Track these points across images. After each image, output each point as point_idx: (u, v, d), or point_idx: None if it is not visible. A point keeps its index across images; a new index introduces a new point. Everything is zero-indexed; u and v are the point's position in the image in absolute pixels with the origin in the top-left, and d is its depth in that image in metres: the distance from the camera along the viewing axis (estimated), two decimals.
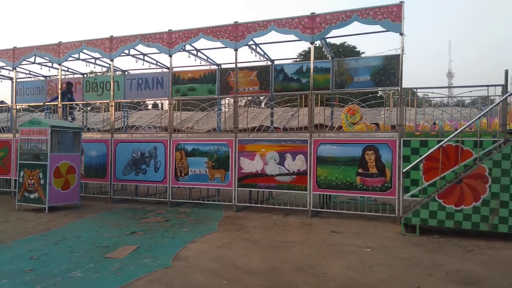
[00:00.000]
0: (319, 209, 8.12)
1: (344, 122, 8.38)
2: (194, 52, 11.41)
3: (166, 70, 12.63)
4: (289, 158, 8.04)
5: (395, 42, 11.22)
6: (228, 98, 11.44)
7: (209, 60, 12.01)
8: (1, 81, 14.63)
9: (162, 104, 12.95)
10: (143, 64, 12.49)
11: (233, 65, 9.28)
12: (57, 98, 11.13)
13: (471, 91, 7.24)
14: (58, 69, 11.03)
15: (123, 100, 12.00)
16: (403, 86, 7.37)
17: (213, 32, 8.74)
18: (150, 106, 22.33)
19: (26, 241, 5.82)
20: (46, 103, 12.31)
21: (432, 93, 7.89)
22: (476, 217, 6.01)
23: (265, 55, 11.22)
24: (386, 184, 7.31)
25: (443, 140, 6.53)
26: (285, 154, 8.07)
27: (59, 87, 10.80)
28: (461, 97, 7.57)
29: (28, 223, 7.18)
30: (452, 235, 6.19)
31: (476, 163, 6.20)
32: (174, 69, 12.16)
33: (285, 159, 8.07)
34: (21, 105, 12.25)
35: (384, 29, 7.77)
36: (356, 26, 7.71)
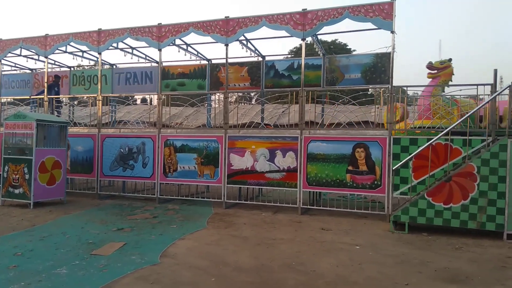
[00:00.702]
0: (309, 207, 8.11)
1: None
2: (184, 46, 11.27)
3: (155, 64, 12.47)
4: (280, 155, 8.00)
5: (386, 40, 11.25)
6: (218, 94, 11.36)
7: (199, 55, 11.88)
8: None
9: (151, 99, 12.77)
10: (131, 58, 12.29)
11: (224, 61, 9.20)
12: (43, 91, 10.91)
13: (461, 90, 7.29)
14: (44, 62, 10.79)
15: (111, 95, 11.81)
16: (394, 84, 7.39)
17: (203, 27, 8.63)
18: (138, 101, 22.08)
19: (11, 237, 5.68)
20: (32, 97, 12.06)
21: (423, 91, 7.91)
22: (464, 215, 6.05)
23: (256, 51, 11.14)
24: (376, 182, 7.32)
25: (432, 138, 6.55)
26: (275, 151, 8.03)
27: (45, 80, 10.58)
28: (451, 95, 7.61)
29: (12, 218, 7.02)
30: (441, 233, 6.23)
31: (465, 162, 6.24)
32: (164, 64, 12.02)
33: (275, 156, 8.03)
34: (6, 99, 11.98)
35: (376, 27, 7.75)
36: (347, 24, 7.71)
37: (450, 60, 8.14)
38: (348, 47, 27.36)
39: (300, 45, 8.52)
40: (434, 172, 6.70)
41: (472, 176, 6.04)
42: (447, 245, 5.63)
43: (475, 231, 6.15)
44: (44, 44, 10.18)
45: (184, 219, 7.19)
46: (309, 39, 9.16)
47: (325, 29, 7.99)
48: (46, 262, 4.53)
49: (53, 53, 10.50)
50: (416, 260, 4.85)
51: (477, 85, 7.00)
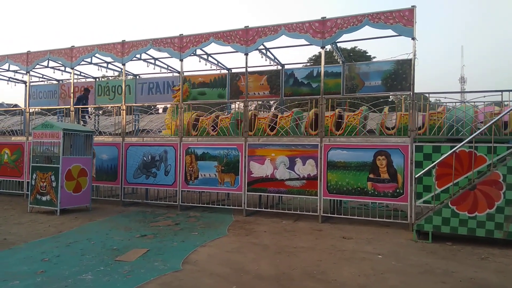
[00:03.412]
0: (329, 215, 8.06)
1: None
2: (205, 56, 11.48)
3: (177, 74, 12.72)
4: (299, 162, 8.00)
5: (407, 47, 11.15)
6: (238, 102, 11.47)
7: (219, 64, 12.07)
8: (15, 85, 14.89)
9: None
10: (154, 68, 12.60)
11: (243, 70, 9.30)
12: (77, 102, 11.33)
13: (484, 96, 7.14)
14: (70, 73, 11.16)
15: (134, 104, 12.10)
16: (415, 91, 7.31)
17: (223, 37, 8.77)
18: (160, 110, 22.45)
19: (38, 243, 5.87)
20: (59, 107, 12.49)
21: (445, 98, 7.81)
22: (490, 224, 5.89)
23: (275, 60, 11.23)
24: (398, 190, 7.22)
25: (456, 146, 6.43)
26: (295, 159, 8.04)
27: (71, 91, 10.93)
28: (474, 102, 7.47)
29: (40, 225, 7.25)
30: (466, 243, 6.09)
31: (490, 169, 6.10)
32: (185, 73, 12.24)
33: (295, 164, 8.03)
34: (34, 109, 12.43)
35: (396, 34, 7.71)
36: (367, 30, 7.69)
37: None
38: (368, 54, 27.16)
39: (319, 52, 8.55)
40: (458, 180, 6.56)
41: (498, 184, 5.89)
42: (472, 255, 5.49)
43: (502, 241, 5.97)
44: (70, 56, 10.54)
45: (205, 226, 7.27)
46: (328, 47, 9.17)
47: (345, 36, 7.99)
48: (72, 268, 4.66)
49: (78, 64, 10.85)
50: (440, 270, 4.76)
51: (501, 91, 6.86)
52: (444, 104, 8.09)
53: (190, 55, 9.53)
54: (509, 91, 6.84)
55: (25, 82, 14.24)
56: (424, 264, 5.00)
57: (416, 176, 6.71)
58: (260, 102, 13.83)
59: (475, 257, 5.38)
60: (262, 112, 10.16)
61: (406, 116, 7.65)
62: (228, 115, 9.76)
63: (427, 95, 7.85)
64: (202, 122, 9.43)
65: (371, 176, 7.41)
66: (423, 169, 6.65)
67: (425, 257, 5.34)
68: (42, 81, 15.05)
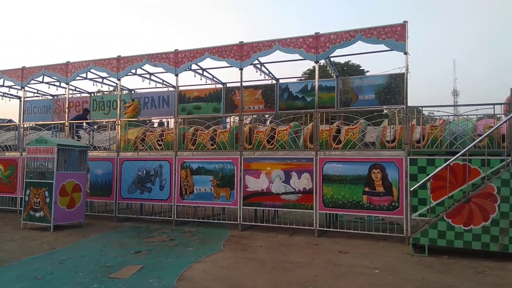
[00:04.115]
0: (325, 229, 8.03)
1: None
2: (200, 71, 11.54)
3: (172, 89, 12.77)
4: (295, 176, 8.00)
5: (400, 61, 11.29)
6: (233, 117, 11.51)
7: (214, 79, 12.13)
8: (10, 100, 14.83)
9: (168, 123, 13.05)
10: (149, 83, 12.64)
11: (238, 84, 9.36)
12: (76, 117, 11.37)
13: (477, 109, 7.23)
14: (65, 88, 11.16)
15: (129, 119, 12.08)
16: (409, 105, 7.38)
17: (218, 52, 8.85)
18: (156, 125, 22.45)
19: (31, 261, 5.79)
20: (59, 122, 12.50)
21: (438, 111, 7.89)
22: (485, 237, 5.90)
23: (270, 74, 11.32)
24: (393, 203, 7.23)
25: (450, 159, 6.48)
26: (290, 173, 8.04)
27: (67, 106, 10.93)
28: (467, 115, 7.55)
29: (33, 242, 7.16)
30: (462, 256, 6.08)
31: (484, 182, 6.14)
32: (180, 88, 12.27)
33: (290, 178, 8.03)
34: (29, 124, 12.38)
35: (389, 48, 7.82)
36: (360, 45, 7.79)
37: None
38: (361, 68, 27.47)
39: (313, 67, 8.63)
40: (453, 193, 6.59)
41: (492, 197, 5.93)
42: (468, 268, 5.48)
43: (498, 254, 5.97)
44: (66, 71, 10.56)
45: (200, 242, 7.21)
46: (322, 61, 9.26)
47: (338, 51, 8.09)
48: (65, 286, 4.59)
49: (74, 80, 10.86)
50: (437, 284, 4.74)
51: (493, 104, 6.95)
52: (439, 117, 8.18)
53: (185, 70, 9.58)
54: (500, 104, 6.93)
55: (19, 98, 14.19)
56: (421, 278, 4.98)
57: (411, 189, 6.73)
58: (255, 116, 13.86)
59: (471, 270, 5.37)
60: (259, 125, 10.19)
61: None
62: (226, 129, 9.80)
63: (420, 108, 7.93)
64: (200, 137, 9.46)
65: (367, 189, 7.42)
66: (418, 182, 6.68)
67: (422, 271, 5.32)
68: (37, 96, 15.02)
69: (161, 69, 10.18)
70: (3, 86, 13.11)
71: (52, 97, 14.81)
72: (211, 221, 9.16)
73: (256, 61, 9.94)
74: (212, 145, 9.33)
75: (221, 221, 9.00)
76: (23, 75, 11.13)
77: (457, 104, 9.95)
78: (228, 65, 9.19)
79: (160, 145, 9.82)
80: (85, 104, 13.86)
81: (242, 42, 8.67)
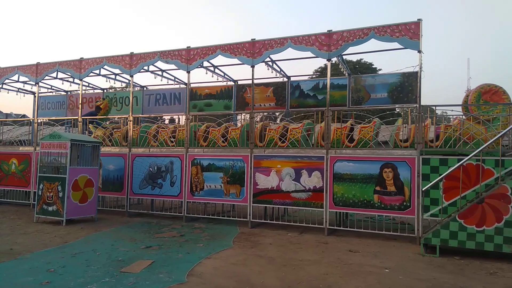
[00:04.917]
0: (335, 227, 8.00)
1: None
2: (212, 68, 11.57)
3: (184, 86, 12.83)
4: (305, 174, 7.98)
5: (413, 59, 11.16)
6: (244, 114, 11.52)
7: (225, 76, 12.16)
8: (24, 96, 15.06)
9: (179, 119, 13.15)
10: (161, 80, 12.73)
11: (250, 81, 9.36)
12: (89, 113, 11.53)
13: (491, 109, 7.11)
14: (79, 84, 11.30)
15: (141, 115, 12.19)
16: (422, 103, 7.30)
17: (230, 49, 8.86)
18: (167, 121, 22.62)
19: (44, 254, 5.88)
20: (68, 118, 12.64)
21: (452, 110, 7.79)
22: (498, 238, 5.82)
23: (281, 72, 11.30)
24: (404, 203, 7.17)
25: (463, 159, 6.39)
26: (301, 171, 8.03)
27: (80, 102, 11.06)
28: (481, 115, 7.44)
29: (45, 235, 7.27)
30: (474, 257, 6.00)
31: (498, 183, 6.04)
32: (192, 85, 12.34)
33: (301, 176, 8.02)
34: (42, 119, 12.56)
35: (402, 47, 7.74)
36: (373, 43, 7.73)
37: None
38: (373, 66, 27.23)
39: (325, 65, 8.59)
40: (466, 193, 6.51)
41: (506, 197, 5.83)
42: (480, 269, 5.41)
43: (511, 256, 5.88)
44: (79, 68, 10.68)
45: (210, 238, 7.24)
46: (334, 59, 9.22)
47: (350, 49, 8.04)
48: (77, 279, 4.65)
49: (87, 76, 10.99)
50: (447, 284, 4.69)
51: (509, 104, 6.84)
52: (452, 116, 8.07)
53: (197, 67, 9.62)
54: None
55: (34, 93, 14.41)
56: (432, 278, 4.93)
57: (423, 189, 6.66)
58: (266, 114, 13.87)
59: (483, 272, 5.30)
60: (271, 123, 10.20)
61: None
62: (238, 126, 9.84)
63: (433, 107, 7.83)
64: (211, 133, 9.53)
65: (378, 188, 7.37)
66: (430, 182, 6.61)
67: (433, 271, 5.28)
68: (50, 92, 15.23)
69: (173, 66, 10.24)
70: (18, 81, 13.36)
71: (65, 93, 15.00)
72: (221, 217, 9.19)
73: (268, 59, 9.93)
74: (223, 142, 9.38)
75: (231, 218, 9.03)
76: (38, 71, 11.29)
77: (472, 103, 9.72)
78: (240, 62, 9.19)
79: (172, 142, 9.93)
80: (97, 100, 14.00)
81: (254, 39, 8.66)
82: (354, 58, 25.65)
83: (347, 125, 8.35)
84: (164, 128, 10.35)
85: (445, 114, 9.70)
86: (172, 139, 10.00)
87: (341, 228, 7.99)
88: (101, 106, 11.74)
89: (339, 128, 8.16)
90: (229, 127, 9.63)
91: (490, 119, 7.44)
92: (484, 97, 7.71)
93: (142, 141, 10.14)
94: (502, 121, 7.34)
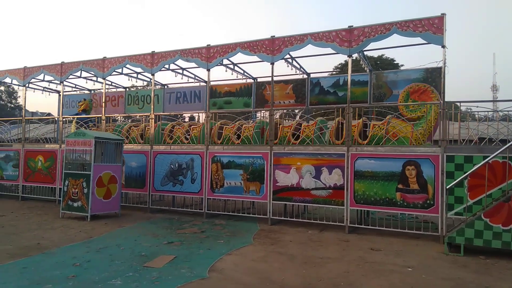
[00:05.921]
0: (356, 225, 7.92)
1: None
2: (231, 66, 11.60)
3: (204, 83, 12.91)
4: (326, 172, 7.93)
5: (437, 54, 10.93)
6: (263, 111, 11.51)
7: (245, 73, 12.17)
8: (49, 94, 15.46)
9: (199, 117, 13.27)
10: (182, 78, 12.85)
11: (269, 79, 9.35)
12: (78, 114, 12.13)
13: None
14: (102, 83, 11.53)
15: (162, 113, 12.35)
16: (446, 100, 7.14)
17: (250, 47, 8.86)
18: (187, 119, 22.86)
19: (70, 248, 6.05)
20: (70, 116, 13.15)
21: (477, 107, 7.59)
22: None
23: (301, 69, 11.23)
24: (428, 201, 7.04)
25: (489, 156, 6.22)
26: (321, 168, 7.98)
27: (103, 100, 11.28)
28: (508, 111, 7.22)
29: (71, 230, 7.47)
30: (500, 257, 5.85)
31: None
32: (211, 83, 12.41)
33: (321, 173, 7.97)
34: (67, 117, 12.88)
35: (425, 42, 7.58)
36: (395, 38, 7.59)
37: None
38: (395, 62, 26.76)
39: (346, 61, 8.50)
40: (491, 191, 6.34)
41: None
42: (507, 269, 5.27)
43: None
44: (102, 67, 10.89)
45: (230, 235, 7.29)
46: (355, 55, 9.10)
47: (372, 44, 7.92)
48: (102, 273, 4.77)
49: (110, 75, 11.20)
50: (472, 284, 4.59)
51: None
52: (477, 113, 7.87)
53: (216, 65, 9.67)
54: None
55: (58, 92, 14.78)
56: (456, 278, 4.84)
57: (447, 187, 6.52)
58: (285, 111, 13.84)
59: (510, 272, 5.17)
60: (286, 120, 10.18)
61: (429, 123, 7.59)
62: (252, 123, 9.86)
63: (458, 104, 7.65)
64: (226, 130, 9.59)
65: (400, 186, 7.26)
66: (455, 180, 6.46)
67: (457, 270, 5.17)
68: (74, 90, 15.59)
69: (193, 64, 10.31)
70: (43, 81, 13.72)
71: (89, 92, 15.33)
72: (240, 214, 9.24)
73: (287, 56, 9.89)
74: (237, 139, 9.43)
75: (251, 215, 9.06)
76: (62, 70, 11.56)
77: (497, 99, 9.44)
78: (260, 59, 9.18)
79: (187, 139, 10.03)
80: (120, 99, 14.28)
81: (274, 36, 8.64)
82: (375, 54, 25.26)
83: (360, 122, 8.25)
84: (178, 126, 10.47)
85: (469, 110, 9.44)
86: (187, 137, 10.10)
87: (362, 226, 7.90)
88: (86, 108, 12.90)
89: (352, 125, 8.06)
90: (243, 124, 9.67)
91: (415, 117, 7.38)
92: (413, 97, 7.91)
93: (159, 139, 10.30)
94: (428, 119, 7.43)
